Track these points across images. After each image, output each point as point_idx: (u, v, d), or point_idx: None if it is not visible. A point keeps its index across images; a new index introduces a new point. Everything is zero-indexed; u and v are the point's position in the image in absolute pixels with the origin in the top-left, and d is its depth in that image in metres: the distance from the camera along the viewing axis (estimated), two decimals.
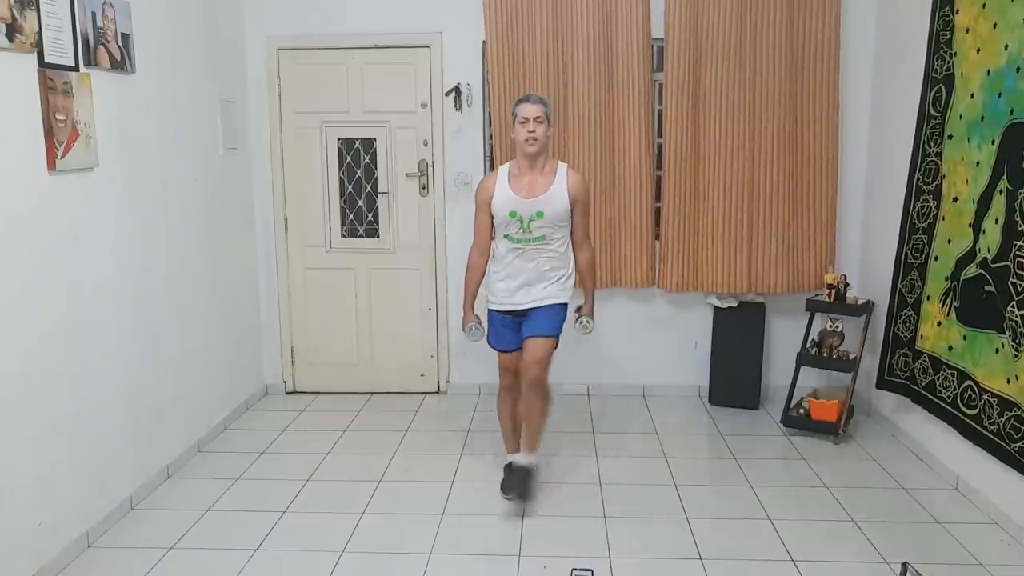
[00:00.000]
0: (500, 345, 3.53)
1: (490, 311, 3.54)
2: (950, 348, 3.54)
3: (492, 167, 4.72)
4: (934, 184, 3.71)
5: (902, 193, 3.98)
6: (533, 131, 3.30)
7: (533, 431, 3.50)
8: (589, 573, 2.84)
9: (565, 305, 3.48)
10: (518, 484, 3.41)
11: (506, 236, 3.41)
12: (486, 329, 3.57)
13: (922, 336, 3.78)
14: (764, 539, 3.15)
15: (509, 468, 3.50)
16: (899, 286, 3.96)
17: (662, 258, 4.66)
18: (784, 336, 4.78)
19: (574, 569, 2.87)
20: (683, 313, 4.84)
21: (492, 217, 3.42)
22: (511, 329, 3.49)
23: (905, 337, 3.92)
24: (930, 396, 3.70)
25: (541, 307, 3.43)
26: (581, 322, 3.60)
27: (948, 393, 3.55)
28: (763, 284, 4.59)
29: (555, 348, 3.45)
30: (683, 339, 4.86)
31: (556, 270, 3.43)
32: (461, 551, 3.08)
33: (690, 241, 4.62)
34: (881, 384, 4.10)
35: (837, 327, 4.31)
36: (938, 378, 3.63)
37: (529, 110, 3.31)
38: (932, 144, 3.72)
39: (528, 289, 3.42)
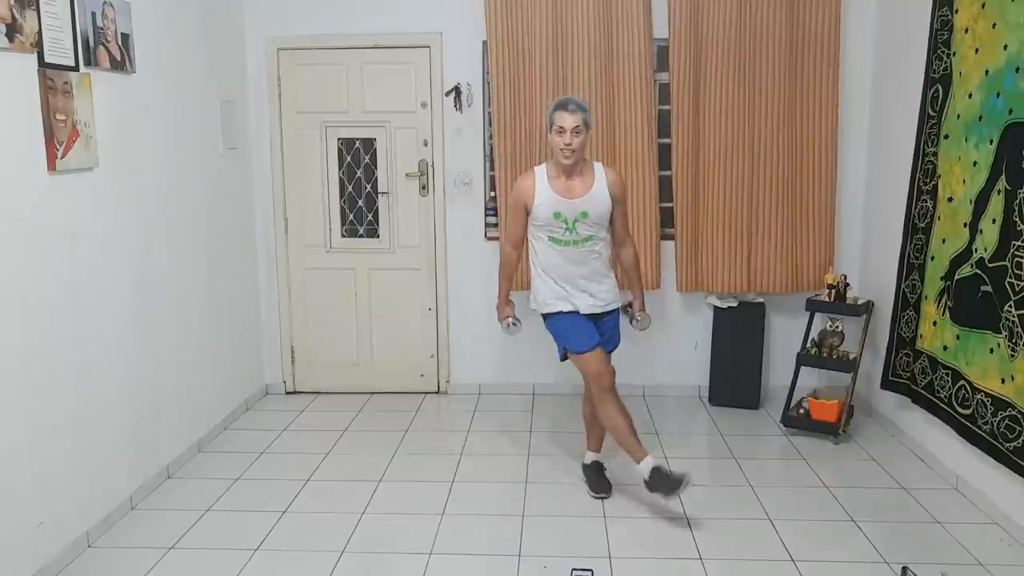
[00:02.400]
0: (587, 341, 3.32)
1: (555, 315, 3.37)
2: (944, 348, 3.54)
3: (492, 167, 4.72)
4: (931, 184, 3.71)
5: (902, 193, 3.99)
6: (570, 143, 3.19)
7: (603, 432, 3.55)
8: (589, 573, 2.84)
9: (619, 310, 3.51)
10: (671, 482, 3.22)
11: (551, 239, 3.32)
12: (522, 323, 3.56)
13: (921, 336, 3.78)
14: (764, 539, 3.15)
15: (659, 471, 3.25)
16: (902, 286, 3.96)
17: (677, 258, 4.65)
18: (784, 336, 4.78)
19: (574, 569, 2.87)
20: (683, 313, 4.84)
21: (526, 218, 3.36)
22: (588, 327, 3.35)
23: (907, 337, 3.92)
24: (929, 396, 3.70)
25: (610, 315, 3.43)
26: (636, 318, 3.58)
27: (944, 393, 3.55)
28: (763, 284, 4.59)
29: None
30: (683, 339, 4.86)
31: (606, 269, 3.43)
32: (461, 551, 3.08)
33: (691, 241, 4.62)
34: (885, 384, 4.10)
35: (837, 327, 4.31)
36: (936, 378, 3.63)
37: (567, 120, 3.19)
38: (930, 144, 3.73)
39: (592, 292, 3.36)
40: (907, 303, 3.92)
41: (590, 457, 3.67)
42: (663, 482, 3.23)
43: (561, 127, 3.20)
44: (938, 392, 3.61)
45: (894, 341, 4.03)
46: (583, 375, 3.43)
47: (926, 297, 3.74)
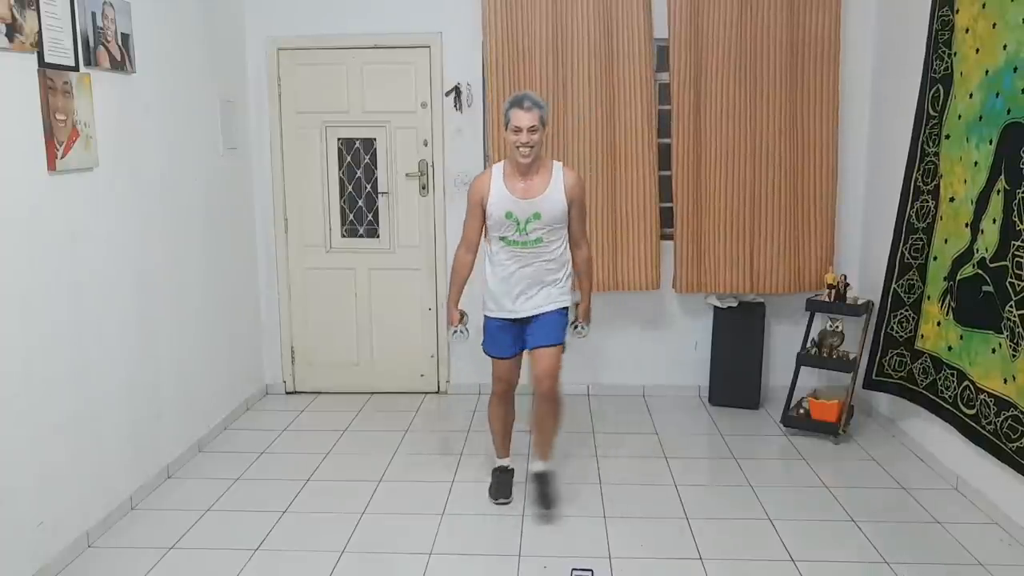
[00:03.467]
0: (498, 352, 3.39)
1: (488, 318, 3.39)
2: (949, 348, 3.54)
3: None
4: (933, 184, 3.71)
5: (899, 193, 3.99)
6: (527, 141, 3.12)
7: (549, 440, 3.46)
8: (589, 573, 2.84)
9: (567, 309, 3.37)
10: (547, 492, 3.37)
11: (502, 239, 3.27)
12: (470, 332, 3.46)
13: (923, 336, 3.77)
14: (764, 539, 3.15)
15: (502, 472, 3.52)
16: (893, 286, 3.95)
17: (676, 259, 4.65)
18: (784, 336, 4.78)
19: (574, 569, 2.87)
20: (683, 313, 4.84)
21: (484, 216, 3.29)
22: (511, 334, 3.36)
23: (901, 337, 3.92)
24: (931, 396, 3.70)
25: (544, 313, 3.30)
26: (576, 327, 3.48)
27: (949, 393, 3.55)
28: (765, 284, 4.59)
29: (563, 353, 3.36)
30: (683, 339, 4.86)
31: (555, 272, 3.31)
32: (461, 551, 3.08)
33: (692, 242, 4.62)
34: (869, 384, 4.09)
35: (837, 327, 4.31)
36: (939, 378, 3.63)
37: (522, 118, 3.11)
38: (931, 144, 3.72)
39: (529, 295, 3.30)
40: (901, 303, 3.91)
41: (499, 462, 3.60)
42: (543, 485, 3.39)
43: (517, 126, 3.11)
44: (942, 392, 3.61)
45: (880, 341, 4.03)
46: (493, 377, 3.47)
47: (928, 297, 3.73)
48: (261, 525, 3.28)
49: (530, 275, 3.28)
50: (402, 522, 3.32)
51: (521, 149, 3.14)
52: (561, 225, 3.28)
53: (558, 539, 3.16)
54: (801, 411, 4.28)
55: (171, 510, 3.42)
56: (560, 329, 3.34)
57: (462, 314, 3.46)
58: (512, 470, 3.57)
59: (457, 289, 3.43)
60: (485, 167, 4.71)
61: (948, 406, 3.55)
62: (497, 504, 3.44)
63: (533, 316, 3.32)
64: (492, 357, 3.42)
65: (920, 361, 3.79)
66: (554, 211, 3.22)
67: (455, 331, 3.43)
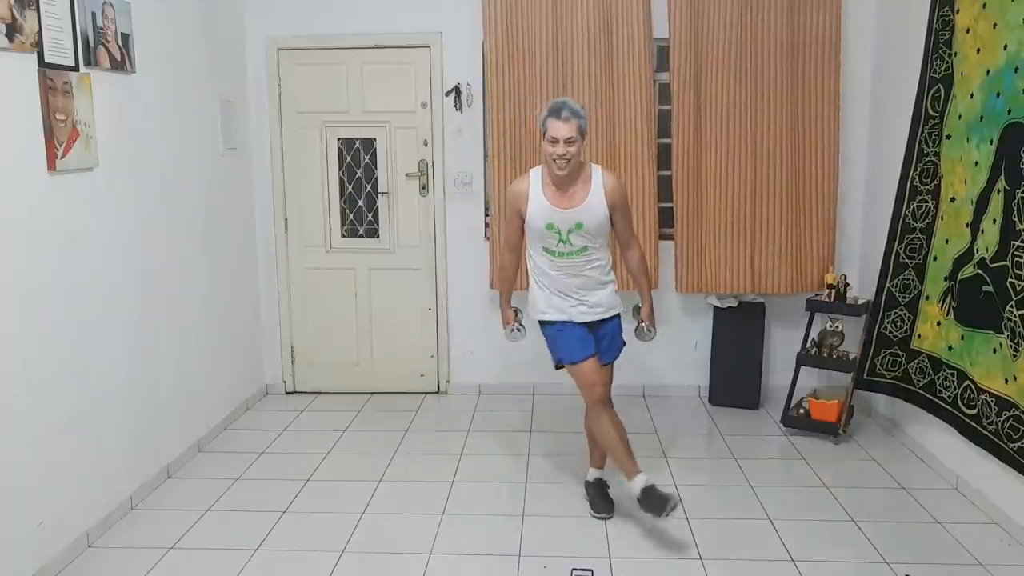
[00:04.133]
0: (578, 354, 3.16)
1: (546, 324, 3.23)
2: (950, 348, 3.54)
3: (494, 169, 4.70)
4: (932, 184, 3.71)
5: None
6: (564, 154, 2.97)
7: (626, 447, 3.20)
8: (589, 573, 2.84)
9: (619, 315, 3.31)
10: (661, 502, 3.02)
11: (545, 250, 3.15)
12: (526, 328, 3.39)
13: (920, 336, 3.77)
14: (764, 539, 3.15)
15: (651, 491, 3.05)
16: (887, 285, 3.95)
17: (677, 259, 4.66)
18: (784, 336, 4.78)
19: (574, 569, 2.87)
20: (683, 313, 4.84)
21: (522, 222, 3.18)
22: (584, 336, 3.19)
23: (895, 337, 3.92)
24: (929, 396, 3.70)
25: (608, 322, 3.23)
26: (642, 328, 3.38)
27: (948, 393, 3.55)
28: (766, 285, 4.59)
29: None
30: (683, 339, 4.86)
31: (605, 276, 3.22)
32: (461, 551, 3.08)
33: (693, 242, 4.62)
34: (861, 384, 4.09)
35: (837, 327, 4.31)
36: (938, 378, 3.63)
37: (559, 129, 2.95)
38: (930, 144, 3.72)
39: (587, 302, 3.18)
40: (895, 302, 3.91)
41: (593, 474, 3.45)
42: (655, 502, 3.02)
43: (554, 137, 2.98)
44: (940, 392, 3.61)
45: (873, 341, 4.02)
46: (579, 387, 3.27)
47: (927, 297, 3.73)
48: (261, 525, 3.28)
49: (581, 285, 3.18)
50: (402, 522, 3.32)
51: (558, 162, 3.00)
52: (605, 232, 3.17)
53: (558, 539, 3.16)
54: (801, 411, 4.28)
55: (171, 510, 3.42)
56: (621, 341, 3.31)
57: (516, 311, 3.42)
58: (652, 485, 3.10)
59: (507, 289, 3.40)
60: (485, 167, 4.72)
61: (947, 406, 3.55)
62: (598, 518, 3.26)
63: (600, 321, 3.22)
64: (572, 364, 3.19)
65: (917, 361, 3.79)
66: (597, 219, 3.09)
67: (511, 329, 3.40)
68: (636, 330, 3.42)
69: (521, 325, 3.41)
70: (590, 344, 3.20)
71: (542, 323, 3.28)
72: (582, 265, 3.16)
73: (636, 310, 3.43)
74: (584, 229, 3.10)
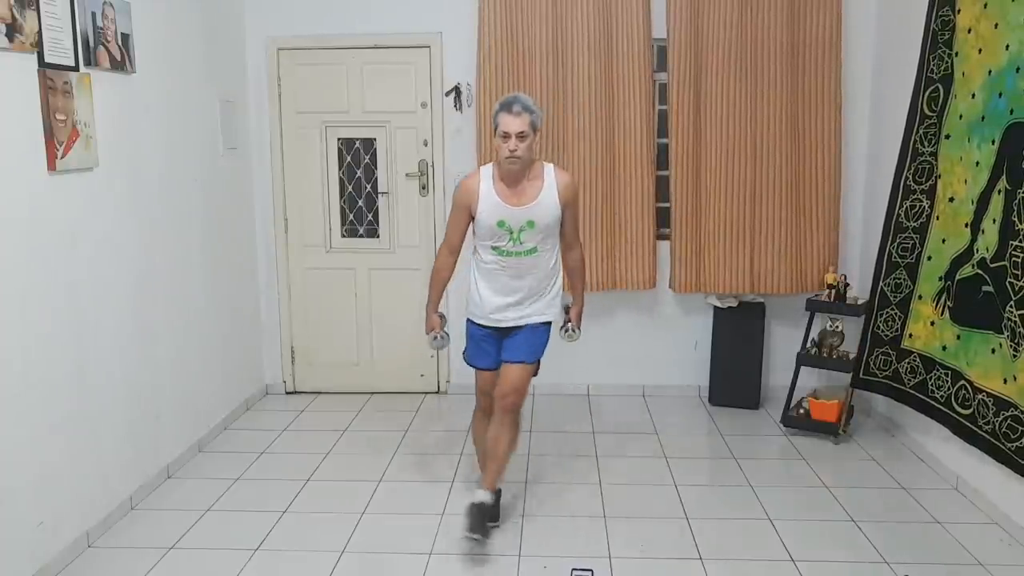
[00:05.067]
0: (480, 362, 3.22)
1: (470, 323, 3.22)
2: (944, 348, 3.54)
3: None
4: (927, 184, 3.71)
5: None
6: (515, 149, 2.90)
7: (500, 464, 3.17)
8: (589, 573, 2.84)
9: (550, 324, 3.19)
10: (482, 523, 3.03)
11: (493, 248, 3.08)
12: (450, 336, 3.30)
13: (911, 335, 3.77)
14: (764, 539, 3.15)
15: (479, 508, 3.05)
16: (880, 285, 3.95)
17: (673, 259, 4.66)
18: (784, 336, 4.78)
19: (574, 569, 2.87)
20: (683, 313, 4.84)
21: (470, 221, 3.10)
22: (493, 345, 3.18)
23: (887, 336, 3.92)
24: (920, 396, 3.70)
25: (526, 326, 3.13)
26: (567, 330, 3.30)
27: (941, 393, 3.55)
28: (766, 285, 4.59)
29: (535, 374, 3.20)
30: (683, 339, 4.86)
31: (547, 282, 3.14)
32: (461, 551, 3.08)
33: (693, 242, 4.62)
34: (856, 382, 4.09)
35: (837, 327, 4.31)
36: (930, 378, 3.63)
37: (511, 124, 2.89)
38: (926, 144, 3.72)
39: (518, 307, 3.13)
40: (887, 302, 3.92)
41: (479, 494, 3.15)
42: (475, 517, 2.99)
43: (505, 132, 2.90)
44: (933, 392, 3.61)
45: (867, 340, 4.03)
46: (476, 391, 3.27)
47: (920, 296, 3.73)
48: (261, 525, 3.28)
49: (524, 288, 3.11)
50: (402, 522, 3.32)
51: (508, 158, 2.93)
52: (555, 231, 3.11)
53: (558, 539, 3.16)
54: (801, 411, 4.28)
55: (171, 510, 3.42)
56: (537, 346, 3.17)
57: (441, 317, 3.29)
58: (483, 504, 3.10)
59: (437, 293, 3.25)
60: (478, 168, 4.70)
61: (940, 406, 3.55)
62: (473, 539, 3.01)
63: (515, 328, 3.15)
64: (475, 368, 3.26)
65: (908, 360, 3.79)
66: (548, 218, 3.04)
67: (435, 336, 3.26)
68: (561, 328, 3.30)
69: (445, 333, 3.29)
70: (496, 357, 3.17)
71: (469, 320, 3.23)
72: (530, 266, 3.09)
73: (566, 309, 3.34)
74: (535, 228, 3.03)
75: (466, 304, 3.26)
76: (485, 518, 3.08)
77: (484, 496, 3.12)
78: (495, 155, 3.04)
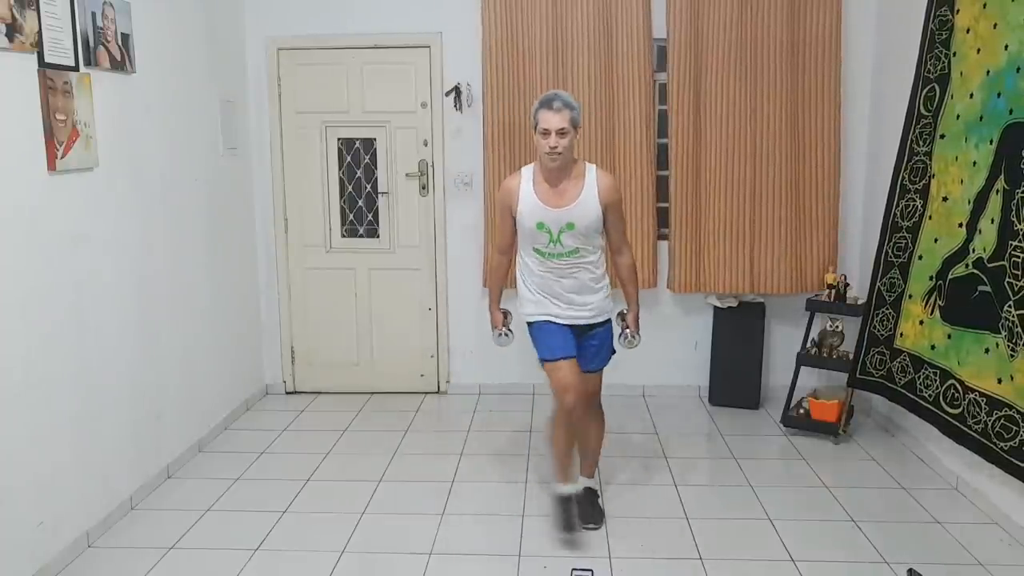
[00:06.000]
0: (556, 352, 3.06)
1: (533, 323, 3.15)
2: (932, 347, 3.54)
3: (491, 169, 4.70)
4: (921, 183, 3.71)
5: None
6: (555, 146, 2.90)
7: (595, 456, 3.36)
8: (589, 573, 2.84)
9: (610, 321, 3.22)
10: (590, 510, 3.21)
11: (535, 250, 3.07)
12: (515, 333, 3.29)
13: (902, 334, 3.78)
14: (764, 539, 3.15)
15: (571, 500, 3.16)
16: (877, 284, 3.96)
17: (671, 259, 4.65)
18: (784, 336, 4.78)
19: (574, 569, 2.87)
20: (683, 313, 4.84)
21: (514, 222, 3.11)
22: (567, 336, 3.10)
23: (881, 335, 3.92)
24: (910, 394, 3.70)
25: (597, 327, 3.14)
26: (626, 336, 3.27)
27: (929, 392, 3.55)
28: (766, 285, 4.59)
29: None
30: (683, 339, 4.86)
31: (597, 280, 3.14)
32: (461, 551, 3.08)
33: (693, 242, 4.62)
34: (853, 382, 4.10)
35: (837, 327, 4.31)
36: (919, 376, 3.63)
37: (551, 120, 2.89)
38: (921, 143, 3.73)
39: (576, 305, 3.10)
40: (883, 301, 3.92)
41: (567, 488, 3.23)
42: (567, 512, 3.11)
43: (546, 129, 2.91)
44: (921, 391, 3.61)
45: (864, 339, 4.03)
46: (551, 388, 3.13)
47: (910, 296, 3.74)
48: (261, 525, 3.28)
49: (571, 287, 3.09)
50: (402, 522, 3.32)
51: (549, 154, 2.92)
52: (597, 233, 3.09)
53: (558, 539, 3.16)
54: (801, 411, 4.28)
55: (171, 510, 3.42)
56: (609, 349, 3.23)
57: (505, 314, 3.32)
58: (572, 496, 3.22)
59: (496, 291, 3.32)
60: (485, 167, 4.71)
61: (929, 405, 3.56)
62: (567, 536, 3.10)
63: (588, 327, 3.14)
64: (552, 361, 3.08)
65: (899, 359, 3.80)
66: (588, 219, 3.00)
67: (500, 333, 3.28)
68: (620, 336, 3.30)
69: (509, 330, 3.30)
70: (571, 345, 3.10)
71: (528, 324, 3.20)
72: (572, 268, 3.08)
73: (621, 316, 3.34)
74: (575, 229, 3.01)
75: (520, 307, 3.20)
76: (592, 504, 3.25)
77: (587, 482, 3.31)
78: (536, 154, 3.04)
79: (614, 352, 3.28)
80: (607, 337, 3.23)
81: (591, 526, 3.19)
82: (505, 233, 3.18)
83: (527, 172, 3.10)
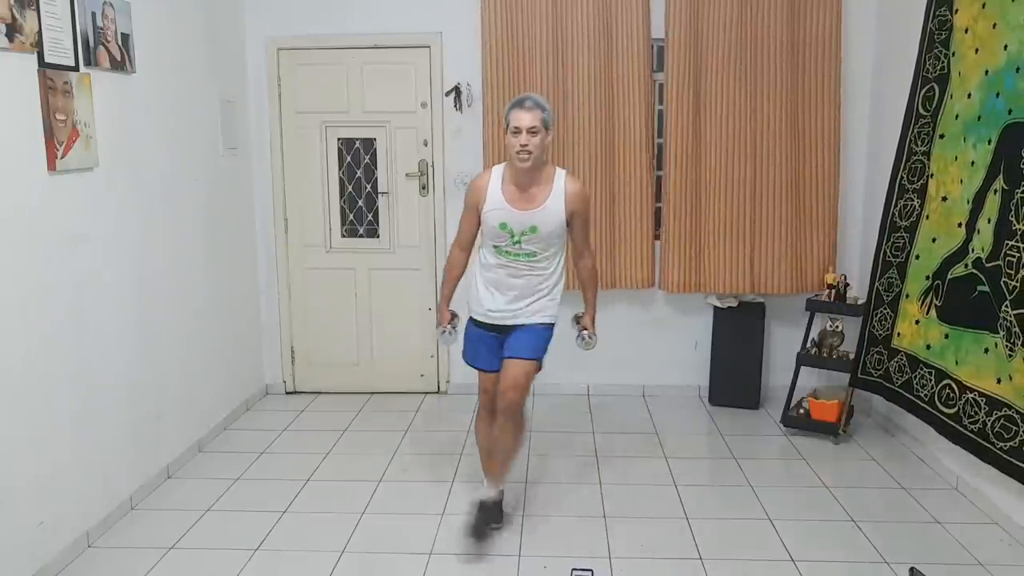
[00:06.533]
0: (477, 363, 3.23)
1: (470, 322, 3.22)
2: (928, 347, 3.54)
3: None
4: (919, 183, 3.72)
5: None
6: (526, 144, 2.89)
7: (505, 461, 3.21)
8: (589, 573, 2.84)
9: (552, 326, 3.16)
10: (484, 523, 3.10)
11: (495, 248, 3.09)
12: (459, 333, 3.27)
13: (899, 334, 3.78)
14: (764, 539, 3.15)
15: (484, 505, 3.16)
16: (876, 284, 3.96)
17: (663, 259, 4.66)
18: (784, 336, 4.78)
19: (574, 569, 2.87)
20: (683, 313, 4.84)
21: (479, 219, 3.11)
22: (491, 347, 3.17)
23: (880, 335, 3.93)
24: (906, 394, 3.71)
25: (526, 325, 3.11)
26: (582, 337, 3.28)
27: (925, 392, 3.56)
28: (766, 285, 4.59)
29: (537, 372, 3.14)
30: (683, 339, 4.86)
31: (546, 284, 3.12)
32: (461, 551, 3.08)
33: (692, 242, 4.62)
34: (854, 381, 4.10)
35: (837, 327, 4.32)
36: (915, 376, 3.64)
37: (522, 119, 2.89)
38: (919, 143, 3.73)
39: (515, 305, 3.11)
40: (881, 301, 3.93)
41: (486, 493, 3.24)
42: (480, 516, 3.09)
43: (516, 127, 2.90)
44: (917, 391, 3.62)
45: (864, 339, 4.03)
46: (479, 392, 3.25)
47: (907, 295, 3.74)
48: (261, 525, 3.28)
49: (519, 286, 3.10)
50: (402, 522, 3.32)
51: (520, 154, 2.92)
52: (559, 239, 3.09)
53: (558, 539, 3.16)
54: (801, 411, 4.28)
55: (171, 510, 3.42)
56: (538, 344, 3.14)
57: (452, 314, 3.29)
58: (488, 501, 3.20)
59: (449, 288, 3.27)
60: (485, 167, 4.71)
61: (924, 404, 3.56)
62: (473, 541, 3.07)
63: (515, 326, 3.13)
64: (471, 367, 3.27)
65: (896, 359, 3.80)
66: (552, 225, 3.02)
67: (443, 331, 3.27)
68: (577, 338, 3.29)
69: (454, 328, 3.26)
70: (495, 360, 3.15)
71: (469, 320, 3.23)
72: (526, 269, 3.08)
73: (576, 319, 3.34)
74: (538, 233, 3.01)
75: (467, 303, 3.25)
76: (487, 518, 3.12)
77: (487, 494, 3.16)
78: (507, 154, 3.03)
79: (548, 340, 3.17)
80: (539, 333, 3.14)
81: (474, 539, 3.09)
82: (469, 230, 3.17)
83: (497, 171, 3.10)
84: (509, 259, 3.09)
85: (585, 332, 3.29)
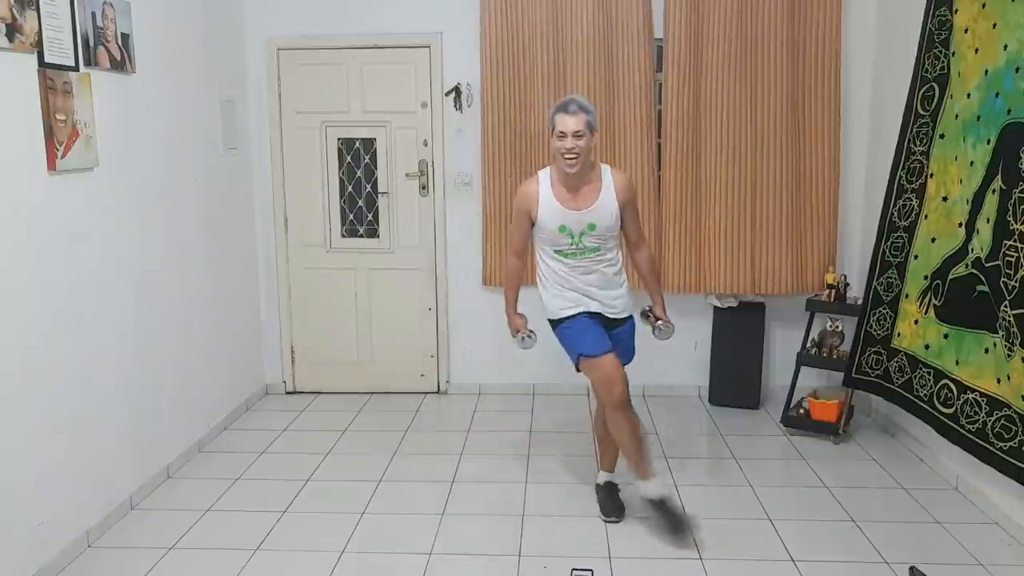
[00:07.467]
0: (598, 347, 3.06)
1: (564, 320, 3.15)
2: (927, 347, 3.55)
3: (489, 169, 4.69)
4: (918, 183, 3.72)
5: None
6: (572, 148, 2.93)
7: (636, 450, 3.15)
8: (589, 573, 2.84)
9: (633, 319, 3.28)
10: (677, 518, 3.10)
11: (557, 252, 3.12)
12: (537, 335, 3.27)
13: (899, 334, 3.78)
14: (764, 539, 3.15)
15: (663, 504, 3.11)
16: (874, 284, 3.96)
17: (663, 259, 4.65)
18: (784, 336, 4.78)
19: (574, 569, 2.87)
20: (683, 313, 4.82)
21: (531, 227, 3.14)
22: (600, 328, 3.12)
23: (879, 335, 3.93)
24: (906, 394, 3.71)
25: (623, 324, 3.21)
26: (659, 328, 3.30)
27: (924, 392, 3.56)
28: (766, 286, 4.59)
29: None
30: (683, 339, 4.85)
31: (618, 275, 3.20)
32: (461, 551, 3.08)
33: (692, 242, 4.62)
34: (848, 381, 4.10)
35: (837, 327, 4.32)
36: (915, 376, 3.64)
37: (567, 123, 2.93)
38: (918, 143, 3.73)
39: (602, 299, 3.14)
40: (880, 301, 3.93)
41: (603, 477, 3.42)
42: (670, 520, 3.09)
43: (562, 131, 2.95)
44: (917, 391, 3.62)
45: (861, 338, 4.03)
46: (593, 387, 3.18)
47: (907, 295, 3.74)
48: (261, 525, 3.28)
49: (596, 281, 3.14)
50: (402, 522, 3.32)
51: (567, 157, 2.96)
52: (616, 232, 3.16)
53: (558, 539, 3.16)
54: (801, 411, 4.28)
55: (171, 510, 3.42)
56: (633, 343, 3.27)
57: (522, 317, 3.31)
58: (664, 500, 3.16)
59: (512, 295, 3.30)
60: (485, 167, 4.71)
61: (923, 404, 3.56)
62: (608, 522, 3.24)
63: (616, 320, 3.18)
64: (590, 358, 3.08)
65: (896, 359, 3.80)
66: (608, 220, 3.07)
67: (522, 336, 3.26)
68: (654, 330, 3.33)
69: (531, 332, 3.28)
70: (607, 339, 3.12)
71: (556, 322, 3.19)
72: (594, 263, 3.13)
73: (645, 313, 3.39)
74: (597, 230, 3.08)
75: (547, 308, 3.21)
76: (670, 513, 3.11)
77: (651, 491, 3.13)
78: (553, 157, 3.09)
79: (635, 351, 3.30)
80: (631, 334, 3.27)
81: (613, 519, 3.25)
82: (521, 237, 3.21)
83: (544, 176, 3.14)
84: (576, 259, 3.13)
85: (660, 322, 3.33)
